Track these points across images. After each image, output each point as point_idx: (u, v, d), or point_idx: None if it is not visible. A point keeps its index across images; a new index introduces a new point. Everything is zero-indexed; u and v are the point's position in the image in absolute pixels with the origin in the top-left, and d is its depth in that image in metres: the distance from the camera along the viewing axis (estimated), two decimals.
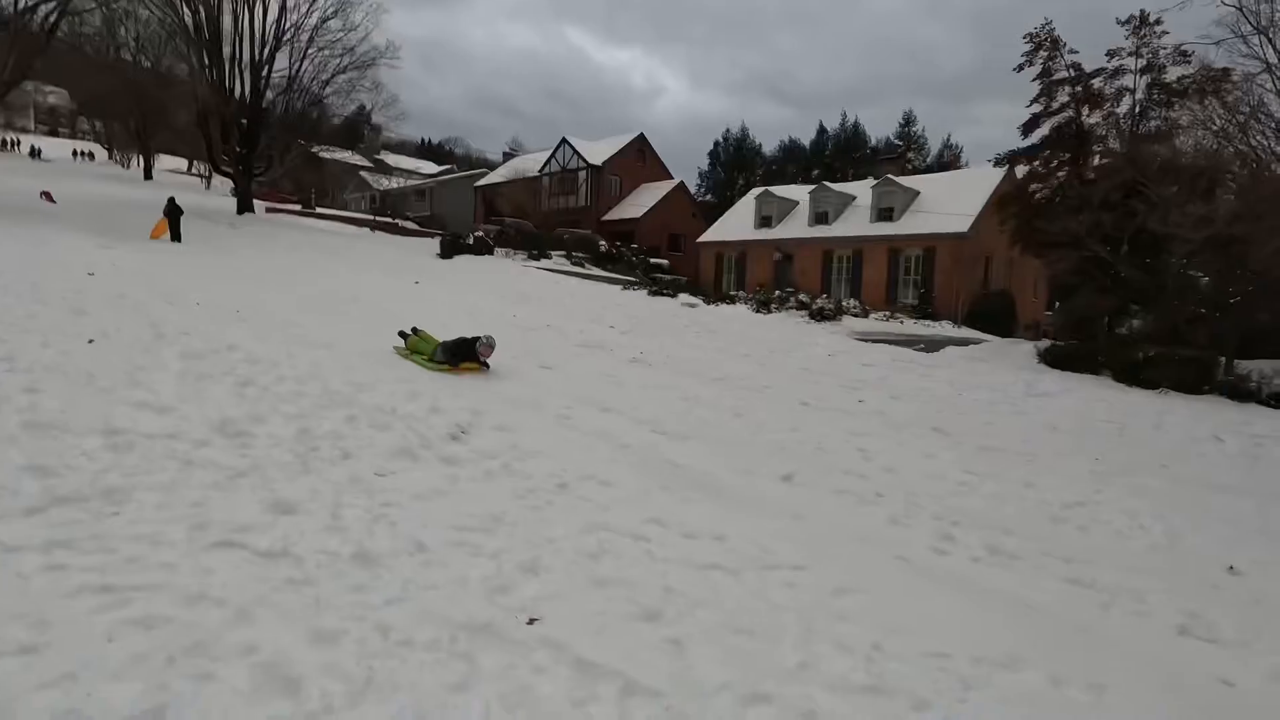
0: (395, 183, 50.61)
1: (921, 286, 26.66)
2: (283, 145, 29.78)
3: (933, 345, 16.46)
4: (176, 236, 17.55)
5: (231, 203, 29.13)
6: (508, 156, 54.66)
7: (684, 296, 21.64)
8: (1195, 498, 5.94)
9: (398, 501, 3.59)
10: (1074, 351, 14.34)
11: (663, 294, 21.77)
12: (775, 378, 9.43)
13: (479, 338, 7.26)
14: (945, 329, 22.14)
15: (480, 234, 29.97)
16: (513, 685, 2.24)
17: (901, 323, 22.24)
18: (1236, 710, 2.80)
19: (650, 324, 13.96)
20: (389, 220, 37.09)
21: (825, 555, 3.79)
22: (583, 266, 29.68)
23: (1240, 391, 11.81)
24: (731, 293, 27.45)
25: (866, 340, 16.02)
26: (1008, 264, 28.34)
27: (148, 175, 42.18)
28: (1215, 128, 16.90)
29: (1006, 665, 2.87)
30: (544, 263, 28.04)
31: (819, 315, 19.41)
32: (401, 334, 7.98)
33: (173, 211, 17.61)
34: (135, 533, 2.89)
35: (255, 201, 30.18)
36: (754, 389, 8.48)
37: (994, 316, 24.14)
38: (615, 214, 41.13)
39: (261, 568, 2.77)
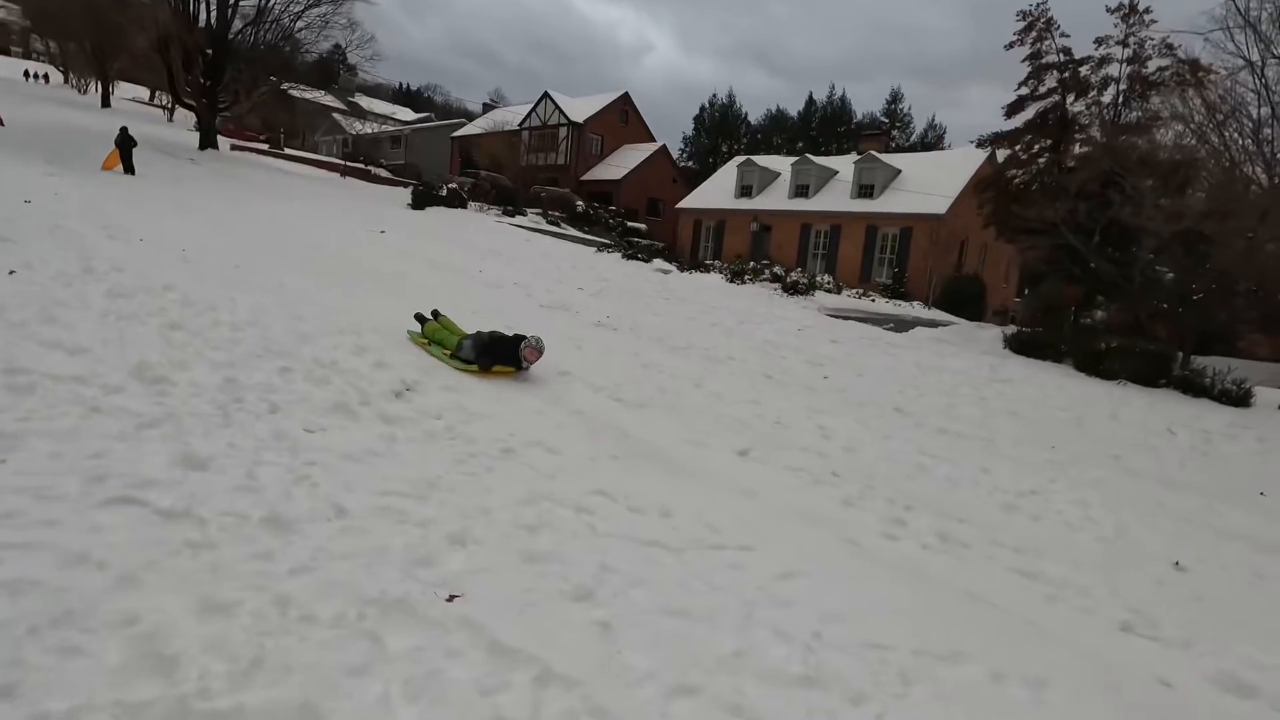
0: (369, 127, 48.76)
1: (896, 266, 26.70)
2: (250, 80, 28.36)
3: (902, 325, 16.49)
4: (129, 168, 16.66)
5: (194, 137, 27.78)
6: (488, 108, 53.13)
7: (658, 262, 21.35)
8: (1146, 491, 5.98)
9: (324, 461, 3.35)
10: (1039, 339, 14.45)
11: (637, 258, 21.44)
12: (741, 349, 9.28)
13: (523, 337, 5.78)
14: (916, 310, 22.24)
15: (454, 186, 29.13)
16: (420, 669, 2.06)
17: (873, 301, 22.27)
18: (1173, 713, 2.76)
19: (620, 288, 13.69)
20: (361, 166, 35.83)
21: (774, 536, 3.67)
22: (558, 226, 29.12)
23: (1195, 386, 12.00)
24: (706, 261, 27.21)
25: (837, 316, 15.97)
26: (982, 248, 28.52)
27: (105, 103, 39.91)
28: (1194, 123, 16.95)
29: (948, 659, 2.78)
30: (518, 219, 27.43)
31: (792, 289, 19.30)
32: (419, 317, 6.56)
33: (125, 142, 16.65)
34: (20, 484, 2.62)
35: (220, 138, 28.86)
36: (718, 359, 8.33)
37: (965, 300, 24.32)
38: (595, 174, 40.35)
39: (159, 528, 2.53)
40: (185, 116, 32.22)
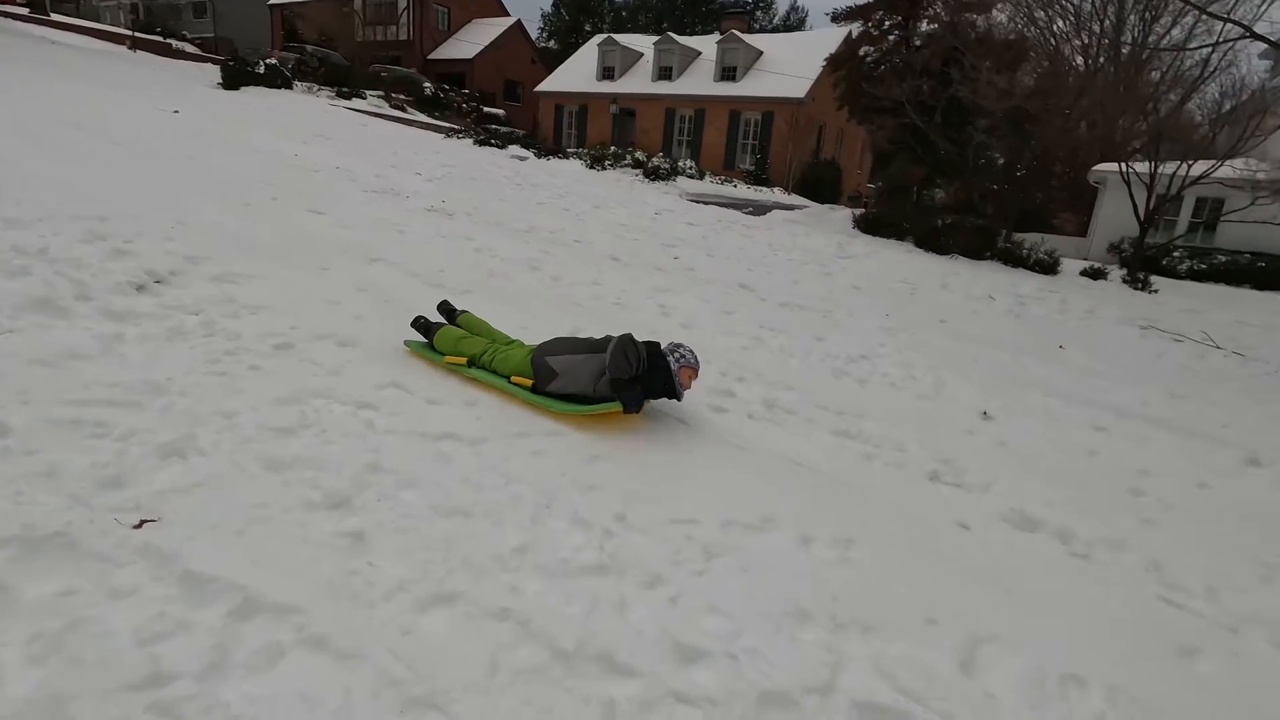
0: None
1: (759, 152, 26.67)
2: None
3: (760, 209, 16.55)
4: None
5: None
6: None
7: (514, 149, 19.93)
8: (964, 351, 6.29)
9: None
10: (884, 218, 15.00)
11: (491, 144, 19.88)
12: (590, 232, 8.78)
13: (660, 348, 3.47)
14: (776, 195, 22.48)
15: (274, 62, 25.33)
16: (59, 622, 1.55)
17: (735, 187, 22.23)
18: (966, 551, 2.81)
19: (466, 175, 12.55)
20: (157, 39, 30.25)
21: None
22: (403, 110, 26.36)
23: (1014, 258, 12.99)
24: (569, 149, 25.86)
25: (698, 202, 15.72)
26: (838, 133, 29.04)
27: None
28: (1024, 3, 17.50)
29: (756, 527, 2.64)
30: (356, 103, 24.47)
31: (653, 175, 18.75)
32: (421, 324, 3.86)
33: None
34: None
35: None
36: (562, 243, 7.79)
37: (821, 185, 24.85)
38: (443, 52, 36.68)
39: None
40: None
